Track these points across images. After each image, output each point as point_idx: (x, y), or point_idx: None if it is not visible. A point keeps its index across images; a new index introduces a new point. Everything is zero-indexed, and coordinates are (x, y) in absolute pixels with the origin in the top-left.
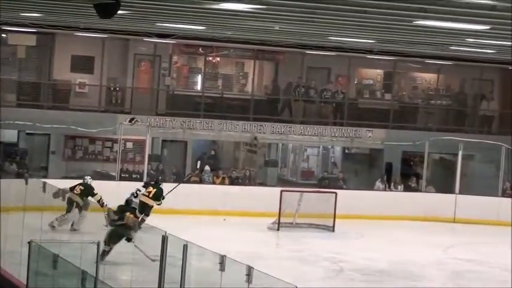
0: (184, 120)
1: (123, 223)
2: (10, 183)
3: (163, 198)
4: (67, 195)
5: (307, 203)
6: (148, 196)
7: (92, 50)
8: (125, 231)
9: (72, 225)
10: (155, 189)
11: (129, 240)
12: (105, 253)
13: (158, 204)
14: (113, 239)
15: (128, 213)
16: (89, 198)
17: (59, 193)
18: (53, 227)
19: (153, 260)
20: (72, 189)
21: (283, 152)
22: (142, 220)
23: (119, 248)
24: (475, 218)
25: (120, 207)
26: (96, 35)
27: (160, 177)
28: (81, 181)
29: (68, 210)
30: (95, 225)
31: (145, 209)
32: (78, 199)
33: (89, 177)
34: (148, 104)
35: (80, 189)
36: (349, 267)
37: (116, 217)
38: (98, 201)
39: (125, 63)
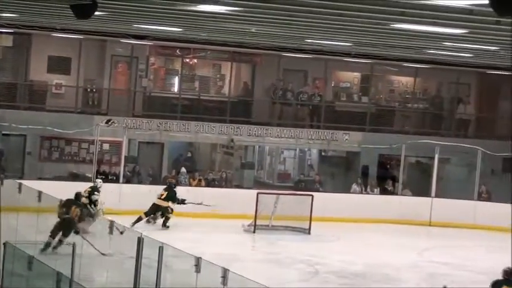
0: (161, 121)
1: (69, 216)
2: None
3: (184, 202)
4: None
5: (283, 205)
6: (160, 198)
7: (68, 51)
8: (70, 224)
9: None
10: (167, 192)
11: (76, 232)
12: (48, 245)
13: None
14: (57, 231)
15: (73, 207)
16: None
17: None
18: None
19: (103, 254)
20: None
21: (259, 154)
22: (167, 218)
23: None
24: (451, 221)
25: (67, 200)
26: (72, 36)
27: (174, 181)
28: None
29: (89, 214)
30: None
31: (157, 210)
32: (86, 201)
33: (99, 180)
34: (125, 105)
35: (88, 191)
36: (325, 270)
37: (63, 210)
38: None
39: (101, 65)
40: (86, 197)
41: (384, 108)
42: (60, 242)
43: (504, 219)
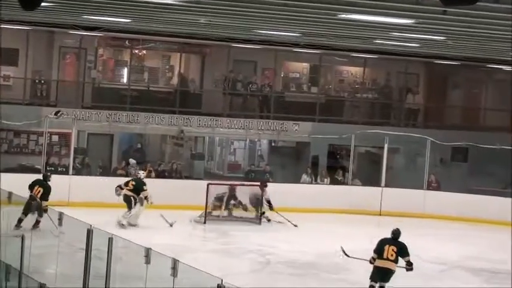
0: (110, 113)
1: (32, 195)
2: None
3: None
4: (122, 192)
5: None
6: None
7: (16, 42)
8: (34, 203)
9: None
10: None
11: (45, 211)
12: (20, 221)
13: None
14: (27, 209)
15: (37, 186)
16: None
17: (116, 190)
18: (122, 225)
19: (57, 236)
20: (126, 184)
21: (209, 145)
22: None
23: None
24: (400, 211)
25: (34, 180)
26: (20, 27)
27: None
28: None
29: (129, 207)
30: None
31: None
32: (133, 194)
33: (142, 171)
34: (73, 96)
35: (132, 184)
36: (276, 260)
37: (29, 190)
38: (145, 198)
39: (50, 56)
40: (131, 190)
41: (334, 98)
42: (37, 222)
43: (453, 208)
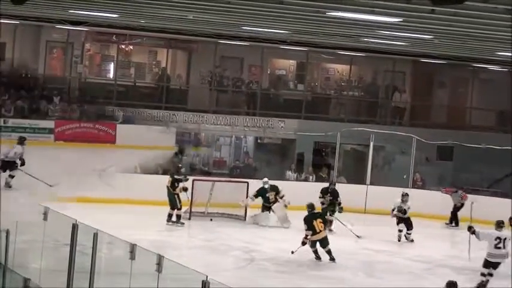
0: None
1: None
2: None
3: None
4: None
5: (219, 192)
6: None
7: (3, 36)
8: (172, 196)
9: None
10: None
11: (185, 190)
12: (170, 216)
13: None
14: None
15: (168, 176)
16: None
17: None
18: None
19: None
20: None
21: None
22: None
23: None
24: (385, 209)
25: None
26: (7, 21)
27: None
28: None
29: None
30: None
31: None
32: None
33: (266, 179)
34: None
35: (275, 194)
36: (261, 257)
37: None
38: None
39: (36, 50)
40: (274, 195)
41: (320, 95)
42: (178, 216)
43: (437, 206)
